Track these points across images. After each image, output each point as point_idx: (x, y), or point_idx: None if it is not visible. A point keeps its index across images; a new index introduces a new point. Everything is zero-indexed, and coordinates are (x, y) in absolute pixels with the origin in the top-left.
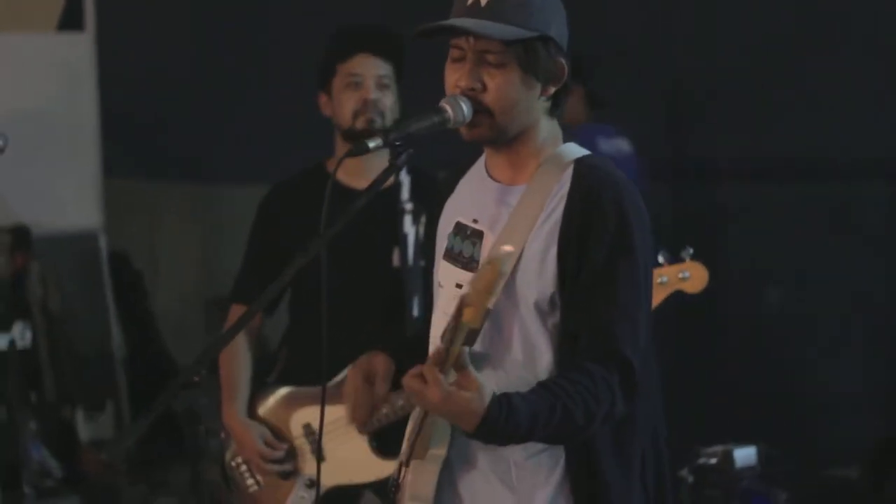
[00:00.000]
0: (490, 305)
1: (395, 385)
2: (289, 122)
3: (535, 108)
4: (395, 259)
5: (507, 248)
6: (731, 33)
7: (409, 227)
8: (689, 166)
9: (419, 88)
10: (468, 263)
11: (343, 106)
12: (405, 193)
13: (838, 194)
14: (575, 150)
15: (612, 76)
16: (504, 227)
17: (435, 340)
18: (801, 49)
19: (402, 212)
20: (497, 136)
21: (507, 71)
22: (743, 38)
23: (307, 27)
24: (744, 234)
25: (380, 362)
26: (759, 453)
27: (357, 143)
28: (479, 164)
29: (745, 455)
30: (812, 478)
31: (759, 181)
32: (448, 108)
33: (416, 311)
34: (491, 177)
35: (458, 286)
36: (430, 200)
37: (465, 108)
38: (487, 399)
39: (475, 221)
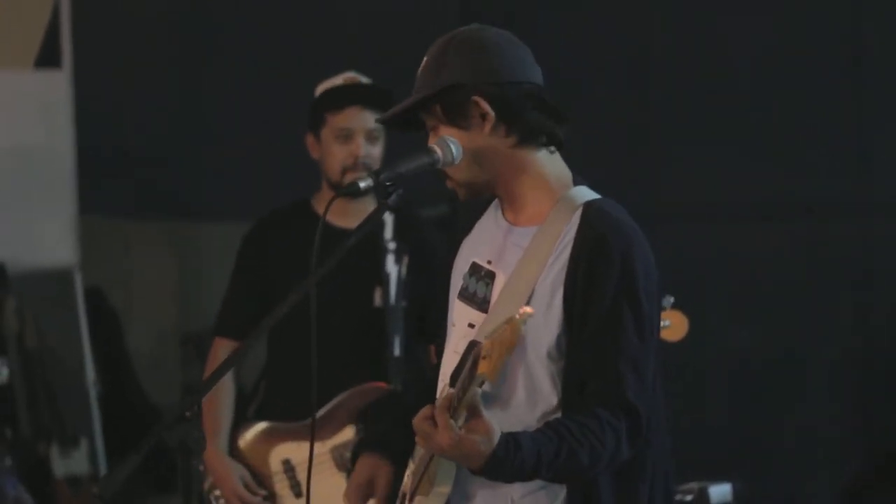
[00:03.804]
0: (506, 361)
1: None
2: (267, 159)
3: (492, 151)
4: (377, 299)
5: (528, 309)
6: (705, 74)
7: (391, 266)
8: (660, 209)
9: None
10: (482, 304)
11: (333, 158)
12: (388, 232)
13: (809, 235)
14: (585, 193)
15: (581, 118)
16: (514, 268)
17: (445, 378)
18: (771, 88)
19: (385, 251)
20: (469, 191)
21: (438, 132)
22: (716, 80)
23: (288, 65)
24: (718, 275)
25: (381, 481)
26: (735, 490)
27: (349, 184)
28: (496, 205)
29: (720, 492)
30: None
31: (730, 223)
32: (437, 149)
33: (397, 351)
34: (504, 217)
35: (471, 326)
36: (413, 239)
37: (454, 149)
38: (496, 441)
39: (489, 262)
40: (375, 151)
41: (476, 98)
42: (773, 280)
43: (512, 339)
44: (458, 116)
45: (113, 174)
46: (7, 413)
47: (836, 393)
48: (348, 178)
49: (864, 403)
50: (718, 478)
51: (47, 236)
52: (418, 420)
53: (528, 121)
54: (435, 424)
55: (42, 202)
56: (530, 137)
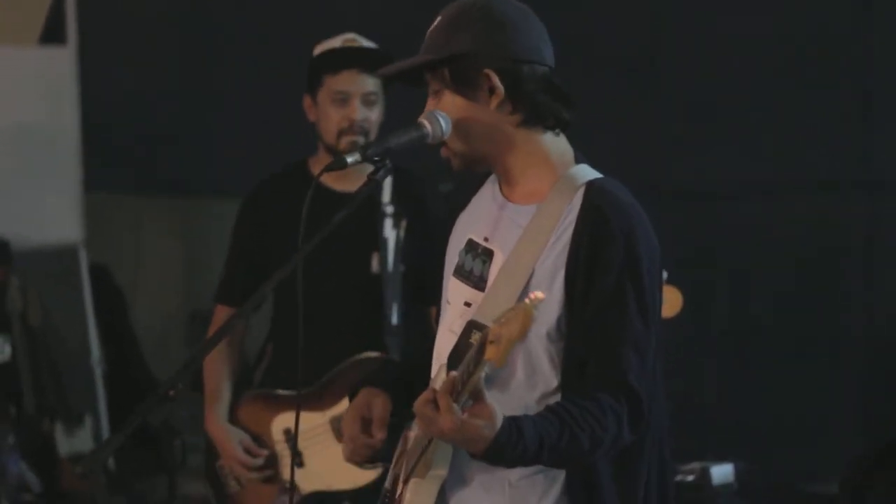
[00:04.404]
0: (515, 347)
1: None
2: (273, 135)
3: (495, 126)
4: (375, 264)
5: (539, 294)
6: (718, 55)
7: (389, 231)
8: (662, 191)
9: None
10: (478, 282)
11: (328, 120)
12: (386, 196)
13: (814, 211)
14: (587, 172)
15: (597, 97)
16: (514, 247)
17: (440, 357)
18: (783, 70)
19: (383, 215)
20: (463, 161)
21: (443, 96)
22: (727, 62)
23: (291, 42)
24: (721, 251)
25: (377, 405)
26: (737, 470)
27: (336, 157)
28: (493, 181)
29: (722, 472)
30: (790, 494)
31: (738, 199)
32: (427, 123)
33: (395, 319)
34: (501, 192)
35: (467, 304)
36: (412, 202)
37: (444, 123)
38: (498, 426)
39: (486, 239)
40: (373, 115)
41: (488, 71)
42: (778, 262)
43: (524, 325)
44: (466, 85)
45: (118, 151)
46: (11, 391)
47: (839, 373)
48: (344, 142)
49: (868, 385)
50: (721, 458)
51: (52, 213)
52: (419, 404)
53: (536, 102)
54: (437, 408)
55: (47, 179)
56: (536, 118)
